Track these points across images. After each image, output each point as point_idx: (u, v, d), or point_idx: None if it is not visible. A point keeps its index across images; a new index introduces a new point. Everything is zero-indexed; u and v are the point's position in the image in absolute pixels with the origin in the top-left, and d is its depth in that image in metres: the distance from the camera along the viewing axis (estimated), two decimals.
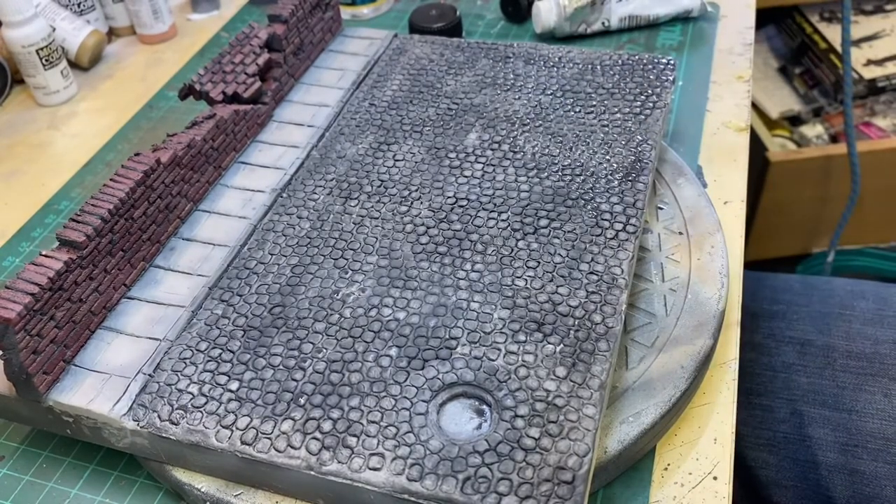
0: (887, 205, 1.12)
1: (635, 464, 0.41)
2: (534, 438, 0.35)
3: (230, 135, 0.52)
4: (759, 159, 1.08)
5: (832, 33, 1.19)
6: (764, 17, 1.29)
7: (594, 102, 0.54)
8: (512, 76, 0.57)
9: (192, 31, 0.82)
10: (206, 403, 0.38)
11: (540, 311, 0.41)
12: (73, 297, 0.41)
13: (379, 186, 0.49)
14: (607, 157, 0.50)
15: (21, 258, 0.58)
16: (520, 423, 0.36)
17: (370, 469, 0.35)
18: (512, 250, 0.44)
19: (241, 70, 0.55)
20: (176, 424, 0.38)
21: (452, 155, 0.51)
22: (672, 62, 0.57)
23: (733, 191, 0.56)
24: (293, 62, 0.59)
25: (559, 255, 0.44)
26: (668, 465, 0.41)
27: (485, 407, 0.37)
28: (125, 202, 0.44)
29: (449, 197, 0.48)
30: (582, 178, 0.48)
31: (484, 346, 0.39)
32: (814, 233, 1.16)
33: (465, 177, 0.49)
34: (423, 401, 0.37)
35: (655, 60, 0.57)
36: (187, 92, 0.55)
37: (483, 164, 0.50)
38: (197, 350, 0.41)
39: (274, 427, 0.37)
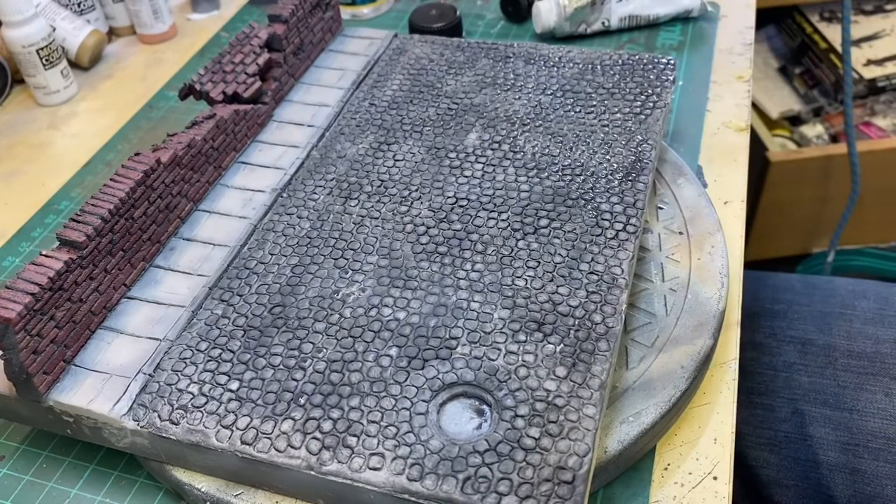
0: (887, 205, 1.12)
1: (635, 464, 0.41)
2: (534, 438, 0.35)
3: (230, 135, 0.52)
4: (759, 159, 1.08)
5: (832, 33, 1.19)
6: (764, 17, 1.29)
7: (594, 102, 0.54)
8: (512, 76, 0.57)
9: (192, 31, 0.82)
10: (206, 403, 0.38)
11: (540, 310, 0.41)
12: (73, 297, 0.41)
13: (379, 186, 0.49)
14: (607, 157, 0.50)
15: (21, 258, 0.58)
16: (520, 422, 0.36)
17: (370, 469, 0.35)
18: (512, 250, 0.44)
19: (241, 70, 0.55)
20: (176, 424, 0.38)
21: (452, 155, 0.51)
22: (672, 62, 0.57)
23: (733, 191, 0.56)
24: (293, 62, 0.59)
25: (559, 254, 0.44)
26: (668, 465, 0.41)
27: (485, 407, 0.37)
28: (125, 202, 0.44)
29: (449, 197, 0.48)
30: (582, 178, 0.48)
31: (484, 345, 0.39)
32: (814, 233, 1.16)
33: (466, 177, 0.49)
34: (424, 401, 0.37)
35: (655, 60, 0.57)
36: (187, 92, 0.55)
37: (483, 164, 0.50)
38: (197, 350, 0.41)
39: (274, 427, 0.37)
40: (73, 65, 0.77)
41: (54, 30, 0.73)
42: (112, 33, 0.81)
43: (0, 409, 0.42)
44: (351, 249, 0.45)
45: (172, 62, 0.77)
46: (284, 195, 0.50)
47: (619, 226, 0.45)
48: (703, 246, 0.48)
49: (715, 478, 0.40)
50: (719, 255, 0.47)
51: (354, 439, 0.36)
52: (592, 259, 0.43)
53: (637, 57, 0.58)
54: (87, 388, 0.40)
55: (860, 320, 0.62)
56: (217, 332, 0.42)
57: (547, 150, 0.51)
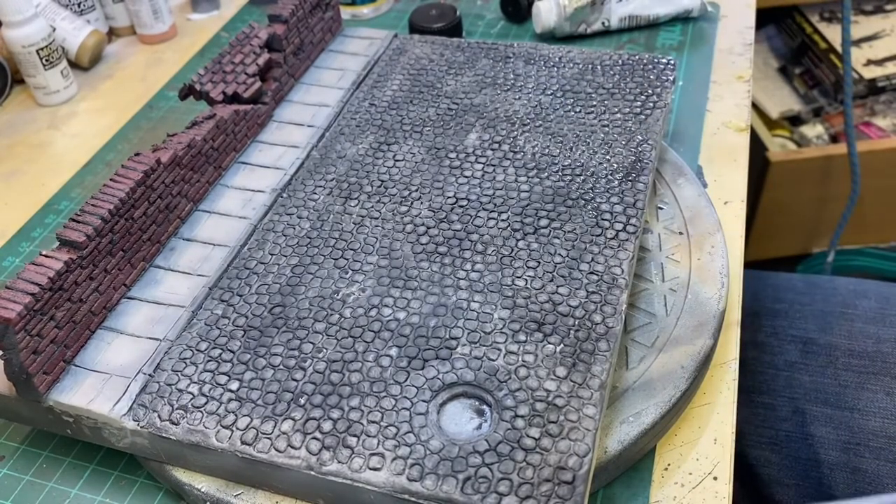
0: (887, 205, 1.12)
1: (635, 464, 0.41)
2: (534, 438, 0.35)
3: (230, 135, 0.52)
4: (759, 159, 1.08)
5: (832, 33, 1.18)
6: (764, 17, 1.29)
7: (594, 102, 0.54)
8: (512, 76, 0.57)
9: (192, 31, 0.82)
10: (206, 403, 0.38)
11: (540, 311, 0.41)
12: (73, 297, 0.41)
13: (379, 186, 0.49)
14: (607, 157, 0.50)
15: (21, 258, 0.58)
16: (520, 423, 0.36)
17: (370, 469, 0.35)
18: (512, 250, 0.44)
19: (241, 70, 0.55)
20: (176, 424, 0.38)
21: (452, 155, 0.51)
22: (672, 62, 0.57)
23: (733, 191, 0.56)
24: (293, 62, 0.59)
25: (559, 255, 0.44)
26: (669, 465, 0.41)
27: (485, 407, 0.37)
28: (125, 202, 0.44)
29: (449, 197, 0.48)
30: (582, 178, 0.48)
31: (484, 346, 0.39)
32: (814, 233, 1.16)
33: (466, 177, 0.49)
34: (424, 401, 0.37)
35: (655, 60, 0.57)
36: (187, 92, 0.55)
37: (483, 164, 0.50)
38: (197, 350, 0.41)
39: (274, 427, 0.37)
40: (73, 65, 0.77)
41: (54, 30, 0.73)
42: (112, 33, 0.81)
43: (0, 409, 0.42)
44: (351, 249, 0.45)
45: (172, 62, 0.77)
46: (284, 195, 0.50)
47: (619, 226, 0.45)
48: (703, 246, 0.48)
49: (715, 478, 0.40)
50: (719, 255, 0.47)
51: (354, 439, 0.36)
52: (592, 259, 0.43)
53: (637, 57, 0.58)
54: (87, 389, 0.40)
55: (861, 320, 0.62)
56: (217, 333, 0.42)
57: (547, 151, 0.51)
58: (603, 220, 0.45)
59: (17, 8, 0.67)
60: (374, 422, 0.37)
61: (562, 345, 0.39)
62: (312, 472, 0.36)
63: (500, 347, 0.39)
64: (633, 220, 0.45)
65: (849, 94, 0.97)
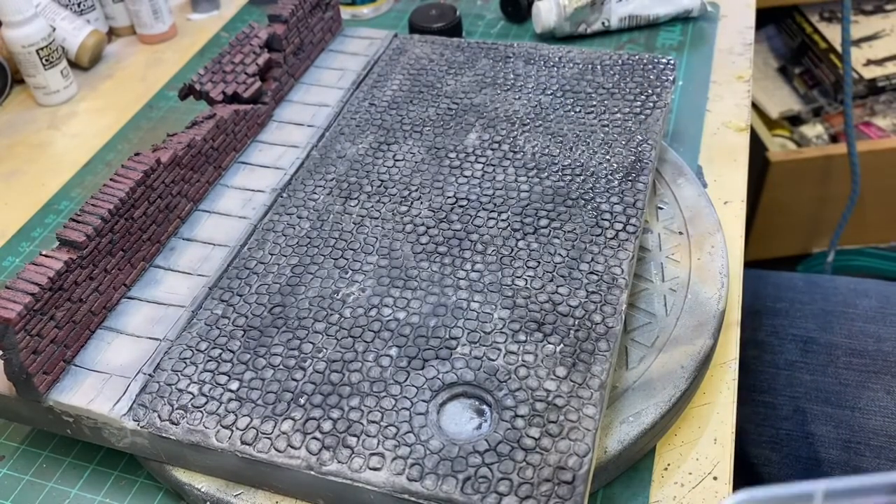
0: (887, 205, 1.12)
1: (635, 464, 0.41)
2: (534, 438, 0.35)
3: (230, 135, 0.52)
4: (759, 159, 1.08)
5: (832, 33, 1.18)
6: (764, 17, 1.29)
7: (594, 102, 0.54)
8: (512, 76, 0.57)
9: (192, 31, 0.82)
10: (206, 403, 0.38)
11: (540, 310, 0.41)
12: (73, 297, 0.41)
13: (379, 186, 0.49)
14: (607, 157, 0.50)
15: (21, 258, 0.58)
16: (520, 422, 0.36)
17: (370, 469, 0.35)
18: (512, 250, 0.44)
19: (241, 70, 0.55)
20: (176, 424, 0.38)
21: (452, 155, 0.51)
22: (672, 62, 0.57)
23: (733, 191, 0.56)
24: (293, 62, 0.59)
25: (559, 254, 0.44)
26: (668, 465, 0.41)
27: (485, 407, 0.37)
28: (125, 202, 0.44)
29: (449, 197, 0.48)
30: (582, 178, 0.48)
31: (484, 345, 0.39)
32: (814, 233, 1.16)
33: (465, 177, 0.49)
34: (424, 401, 0.37)
35: (655, 60, 0.57)
36: (187, 92, 0.55)
37: (483, 164, 0.50)
38: (197, 350, 0.41)
39: (274, 427, 0.37)
40: (73, 65, 0.77)
41: (54, 30, 0.73)
42: (112, 33, 0.81)
43: (0, 409, 0.42)
44: (351, 249, 0.45)
45: (172, 62, 0.77)
46: (284, 195, 0.50)
47: (619, 226, 0.45)
48: (703, 246, 0.48)
49: (715, 478, 0.40)
50: (719, 255, 0.47)
51: (354, 439, 0.36)
52: (592, 259, 0.43)
53: (637, 57, 0.58)
54: (87, 388, 0.40)
55: (862, 319, 0.62)
56: (217, 332, 0.42)
57: (547, 150, 0.51)
58: (603, 219, 0.45)
59: (17, 8, 0.67)
60: (374, 422, 0.37)
61: (562, 345, 0.39)
62: (312, 472, 0.36)
63: (500, 347, 0.39)
64: (633, 220, 0.45)
65: (849, 94, 0.97)
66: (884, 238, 1.17)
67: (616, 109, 0.53)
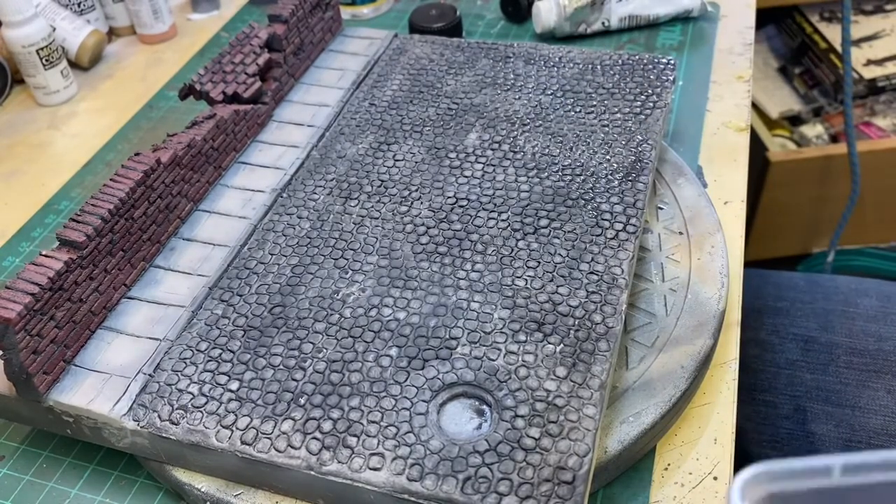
0: (887, 205, 1.12)
1: (635, 464, 0.41)
2: (534, 438, 0.35)
3: (230, 135, 0.52)
4: (759, 159, 1.08)
5: (832, 33, 1.18)
6: (764, 17, 1.29)
7: (594, 102, 0.54)
8: (512, 76, 0.57)
9: (192, 31, 0.82)
10: (206, 403, 0.38)
11: (540, 310, 0.41)
12: (73, 297, 0.41)
13: (379, 186, 0.49)
14: (607, 157, 0.50)
15: (21, 258, 0.58)
16: (520, 423, 0.36)
17: (370, 469, 0.35)
18: (512, 250, 0.44)
19: (241, 70, 0.55)
20: (176, 424, 0.38)
21: (452, 155, 0.51)
22: (672, 62, 0.57)
23: (733, 191, 0.56)
24: (293, 62, 0.59)
25: (559, 255, 0.44)
26: (669, 465, 0.41)
27: (485, 407, 0.37)
28: (125, 202, 0.44)
29: (449, 197, 0.48)
30: (582, 178, 0.48)
31: (484, 346, 0.39)
32: (814, 233, 1.16)
33: (466, 177, 0.49)
34: (424, 401, 0.37)
35: (655, 60, 0.57)
36: (187, 92, 0.55)
37: (483, 164, 0.50)
38: (197, 350, 0.41)
39: (274, 427, 0.37)
40: (73, 65, 0.77)
41: (54, 30, 0.73)
42: (112, 33, 0.81)
43: (0, 409, 0.42)
44: (351, 249, 0.45)
45: (172, 62, 0.77)
46: (284, 195, 0.50)
47: (619, 226, 0.45)
48: (703, 246, 0.48)
49: (715, 478, 0.40)
50: (719, 255, 0.47)
51: (354, 439, 0.36)
52: (592, 259, 0.43)
53: (637, 57, 0.58)
54: (87, 389, 0.40)
55: (862, 318, 0.62)
56: (217, 333, 0.42)
57: (547, 150, 0.51)
58: (603, 220, 0.45)
59: (17, 8, 0.67)
60: (374, 422, 0.37)
61: (562, 345, 0.39)
62: (312, 472, 0.36)
63: (500, 347, 0.39)
64: (633, 220, 0.45)
65: (849, 93, 0.97)
66: (884, 238, 1.17)
67: (616, 109, 0.53)
